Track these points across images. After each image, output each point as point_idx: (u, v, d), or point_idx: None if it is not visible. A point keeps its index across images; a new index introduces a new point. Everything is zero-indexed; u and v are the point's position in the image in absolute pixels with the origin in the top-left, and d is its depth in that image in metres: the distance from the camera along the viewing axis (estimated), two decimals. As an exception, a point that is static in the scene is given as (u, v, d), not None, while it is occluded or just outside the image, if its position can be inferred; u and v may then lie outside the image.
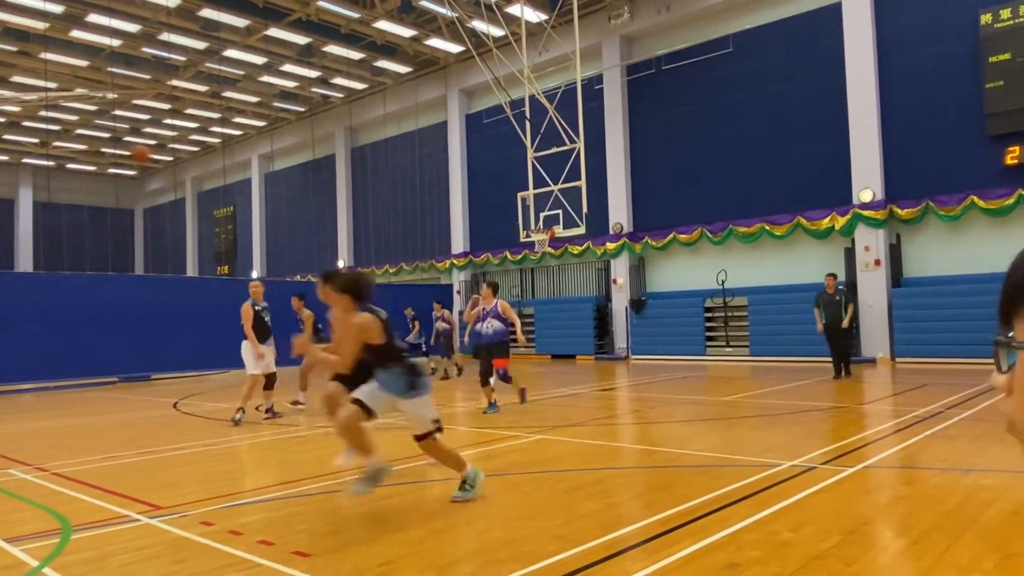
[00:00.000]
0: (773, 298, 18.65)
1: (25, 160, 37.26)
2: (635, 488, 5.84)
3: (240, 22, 21.88)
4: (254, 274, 33.71)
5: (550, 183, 19.45)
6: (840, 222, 17.42)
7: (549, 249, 20.86)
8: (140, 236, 43.61)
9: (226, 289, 20.86)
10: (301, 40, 23.41)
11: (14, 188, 38.11)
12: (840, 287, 13.73)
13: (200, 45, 23.55)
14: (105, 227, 41.52)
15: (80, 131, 32.90)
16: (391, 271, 28.45)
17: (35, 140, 34.07)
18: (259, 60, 24.95)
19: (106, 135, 33.73)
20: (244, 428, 9.36)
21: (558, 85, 21.43)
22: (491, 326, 9.77)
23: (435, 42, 23.93)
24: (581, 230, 18.81)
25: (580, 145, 18.95)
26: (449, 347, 16.85)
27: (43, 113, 29.58)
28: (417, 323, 17.78)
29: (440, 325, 16.86)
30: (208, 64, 25.07)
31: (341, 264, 30.20)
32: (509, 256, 24.24)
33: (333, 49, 24.26)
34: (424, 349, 17.72)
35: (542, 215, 19.41)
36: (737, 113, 19.54)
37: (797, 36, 18.56)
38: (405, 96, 27.69)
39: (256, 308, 9.73)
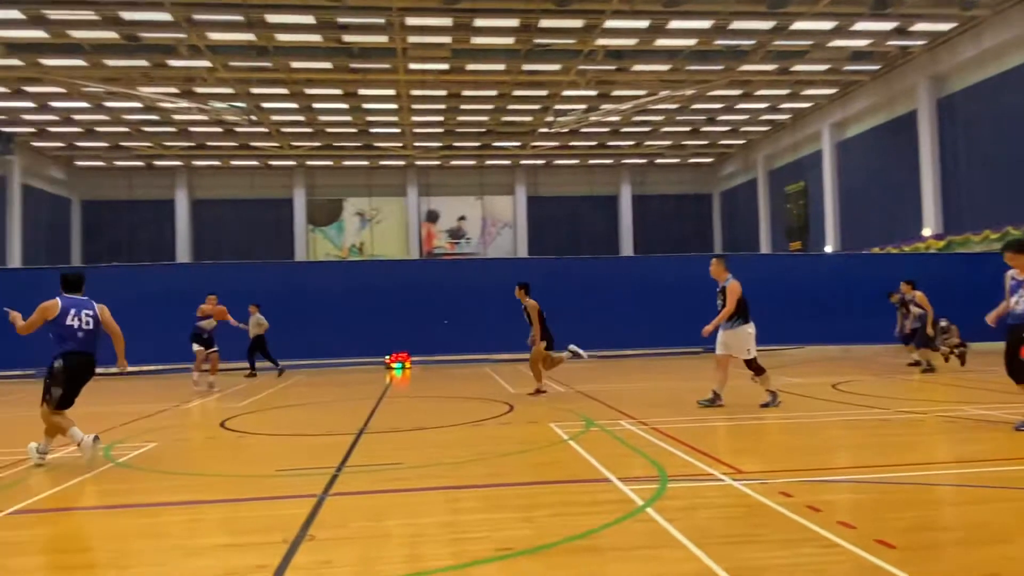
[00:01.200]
0: None
1: (624, 161, 43.90)
2: None
3: (806, -9, 21.42)
4: (828, 248, 32.80)
5: None
6: None
7: None
8: (717, 218, 46.87)
9: (799, 265, 20.85)
10: (873, -8, 21.61)
11: (616, 186, 45.26)
12: None
13: (767, 25, 23.90)
14: (687, 212, 45.94)
15: (664, 129, 37.08)
16: (992, 237, 24.09)
17: (631, 143, 39.83)
18: (827, 25, 24.01)
19: (686, 128, 37.27)
20: (816, 406, 9.22)
21: None
22: (1021, 302, 6.99)
23: (1051, -52, 19.22)
24: None
25: None
26: (923, 337, 13.68)
27: (636, 118, 34.34)
28: (910, 307, 14.16)
29: (914, 310, 13.92)
30: (776, 42, 25.28)
31: (927, 232, 26.96)
32: None
33: (911, -8, 21.70)
34: (913, 337, 14.16)
35: None
36: None
37: None
38: (1010, 24, 22.99)
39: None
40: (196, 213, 42.08)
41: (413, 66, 26.63)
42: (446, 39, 24.45)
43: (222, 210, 41.80)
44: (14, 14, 20.97)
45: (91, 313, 6.65)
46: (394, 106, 31.49)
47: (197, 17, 21.98)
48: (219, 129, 34.22)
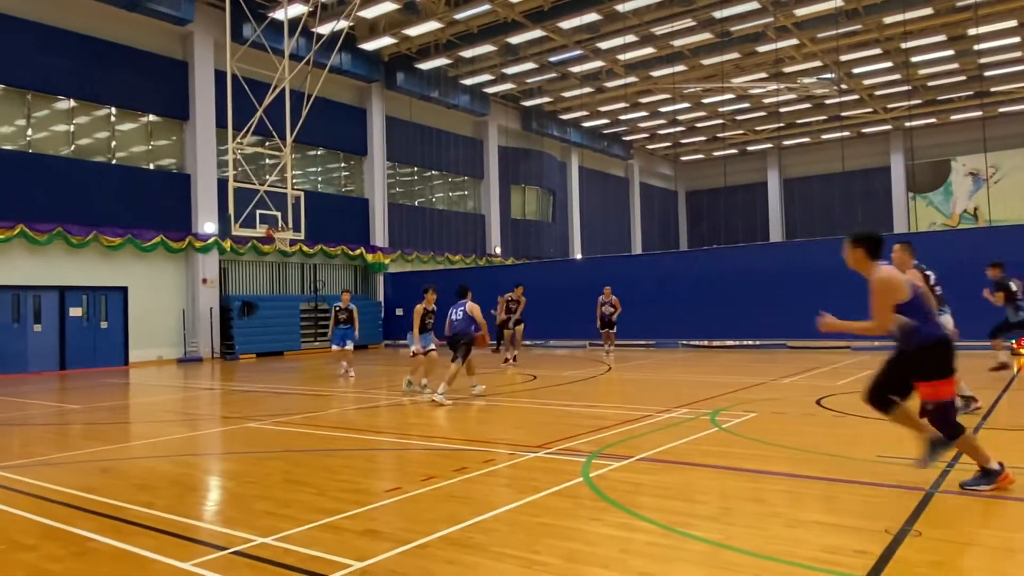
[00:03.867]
0: None
1: None
2: None
3: None
4: None
5: None
6: None
7: None
8: None
9: None
10: None
11: None
12: None
13: None
14: None
15: None
16: None
17: None
18: None
19: None
20: None
21: None
22: None
23: None
24: None
25: None
26: None
27: None
28: None
29: None
30: None
31: None
32: None
33: None
34: None
35: None
36: None
37: None
38: None
39: None
40: (787, 192, 42.77)
41: (1044, -17, 21.56)
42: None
43: (812, 186, 41.50)
44: (630, 38, 24.79)
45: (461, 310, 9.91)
46: (1016, 39, 26.05)
47: (782, -3, 22.18)
48: (807, 105, 33.93)
